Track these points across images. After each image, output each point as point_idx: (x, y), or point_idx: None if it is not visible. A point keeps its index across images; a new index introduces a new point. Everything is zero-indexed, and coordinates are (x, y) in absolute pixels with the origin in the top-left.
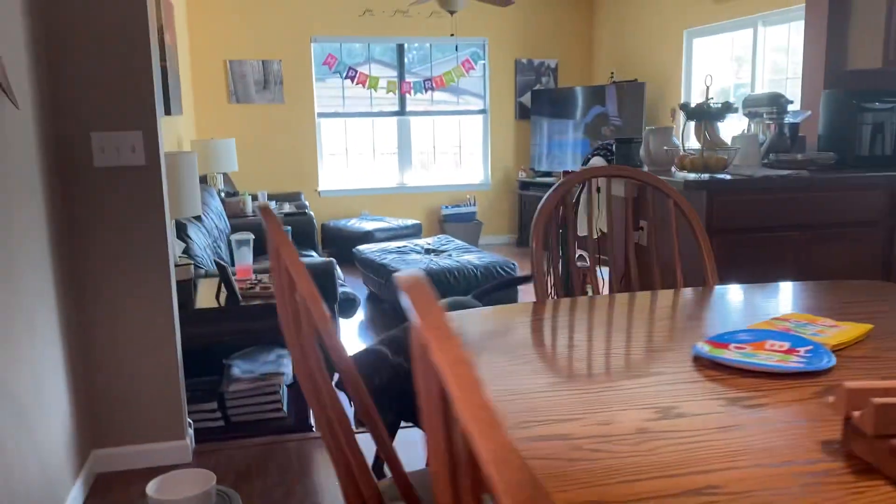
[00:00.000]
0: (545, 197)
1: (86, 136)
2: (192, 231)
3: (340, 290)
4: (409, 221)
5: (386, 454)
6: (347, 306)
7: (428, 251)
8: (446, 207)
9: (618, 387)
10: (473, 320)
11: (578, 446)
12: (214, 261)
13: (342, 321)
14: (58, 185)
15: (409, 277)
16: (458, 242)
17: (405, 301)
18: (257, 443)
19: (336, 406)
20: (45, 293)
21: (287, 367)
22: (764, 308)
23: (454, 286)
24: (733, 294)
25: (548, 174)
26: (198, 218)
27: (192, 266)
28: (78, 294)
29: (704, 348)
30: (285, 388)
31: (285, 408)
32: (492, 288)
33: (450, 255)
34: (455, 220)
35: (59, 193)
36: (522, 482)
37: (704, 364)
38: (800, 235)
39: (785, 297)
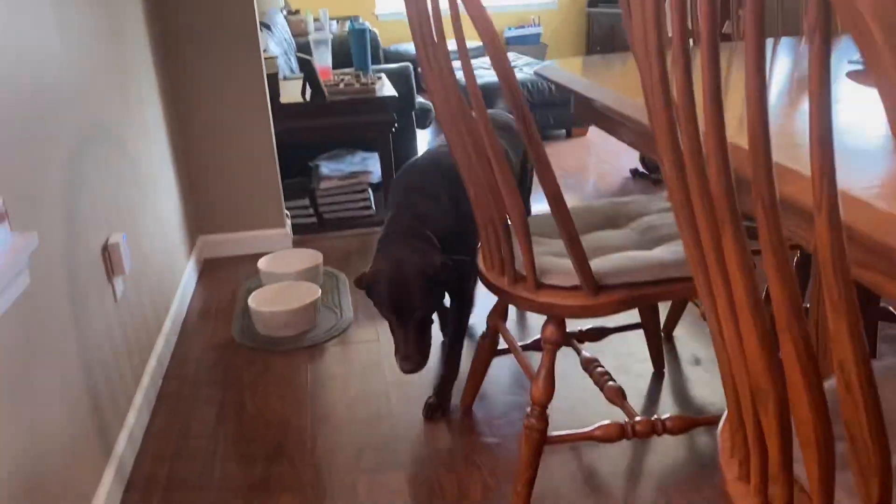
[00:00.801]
0: None
1: None
2: (265, 39)
3: (417, 99)
4: (473, 43)
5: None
6: (423, 116)
7: None
8: (510, 29)
9: (786, 115)
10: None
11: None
12: (297, 56)
13: (418, 131)
14: None
15: None
16: (527, 58)
17: None
18: (351, 235)
19: (495, 147)
20: (149, 77)
21: (374, 167)
22: None
23: (528, 100)
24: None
25: None
26: (267, 27)
27: (276, 61)
28: (174, 81)
29: (850, 67)
30: (371, 188)
31: (373, 206)
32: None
33: (521, 70)
34: (518, 42)
35: None
36: None
37: (858, 79)
38: None
39: None
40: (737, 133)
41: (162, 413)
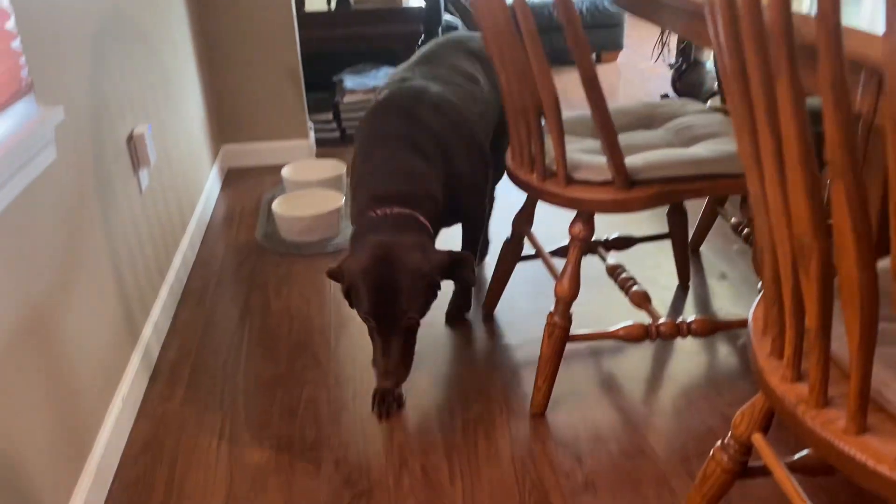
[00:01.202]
0: None
1: None
2: None
3: (444, 17)
4: None
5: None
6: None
7: None
8: None
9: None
10: None
11: None
12: None
13: None
14: None
15: None
16: None
17: None
18: None
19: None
20: None
21: None
22: None
23: (554, 22)
24: None
25: None
26: None
27: None
28: None
29: None
30: None
31: None
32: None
33: None
34: None
35: None
36: None
37: None
38: None
39: None
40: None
41: (187, 308)
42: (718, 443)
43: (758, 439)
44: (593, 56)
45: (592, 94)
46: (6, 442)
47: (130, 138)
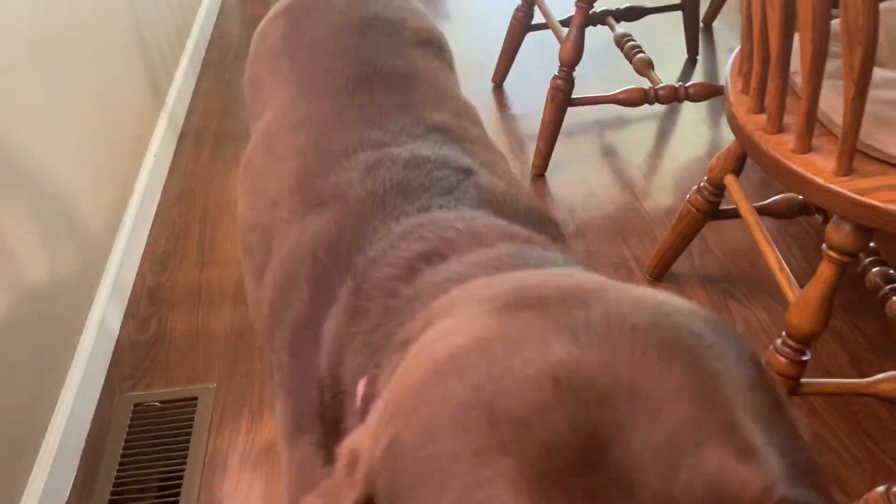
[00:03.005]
0: None
1: None
2: None
3: None
4: None
5: None
6: None
7: None
8: None
9: None
10: None
11: None
12: None
13: None
14: None
15: None
16: None
17: None
18: None
19: None
20: None
21: None
22: None
23: None
24: None
25: None
26: None
27: None
28: None
29: None
30: None
31: None
32: None
33: None
34: None
35: None
36: None
37: None
38: None
39: None
40: None
41: (207, 78)
42: (694, 187)
43: (730, 180)
44: None
45: None
46: (58, 178)
47: None
